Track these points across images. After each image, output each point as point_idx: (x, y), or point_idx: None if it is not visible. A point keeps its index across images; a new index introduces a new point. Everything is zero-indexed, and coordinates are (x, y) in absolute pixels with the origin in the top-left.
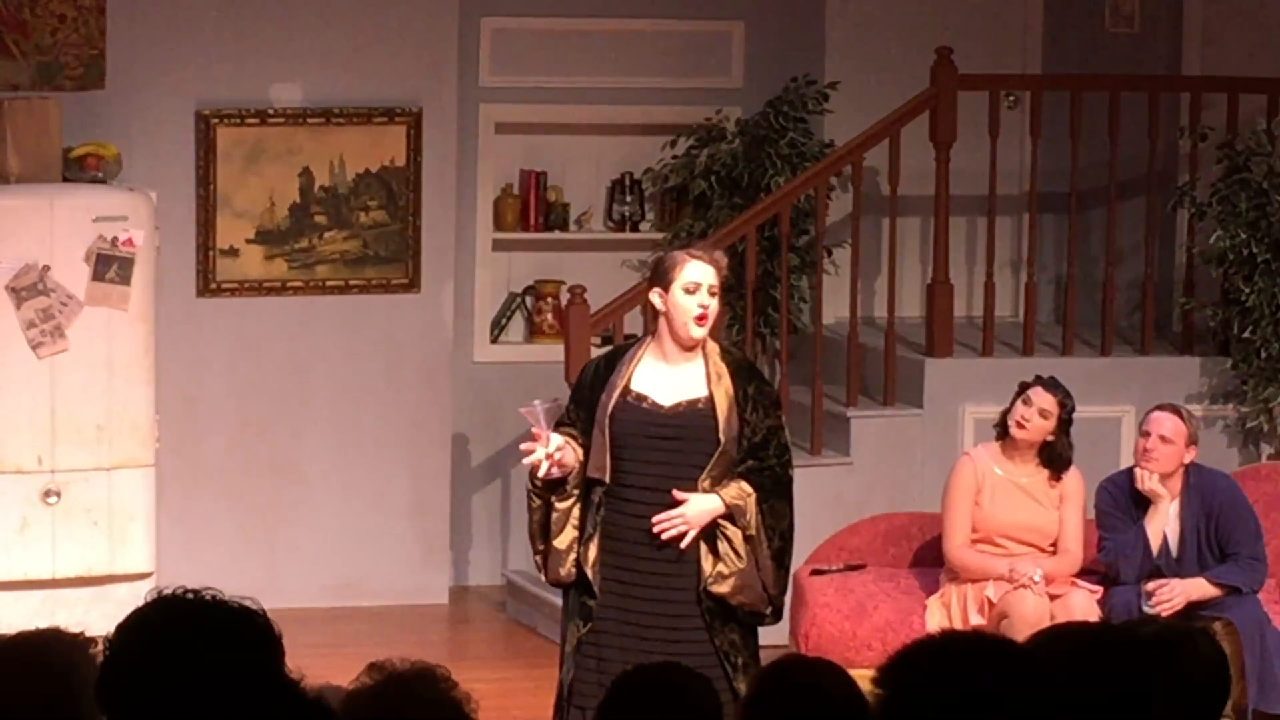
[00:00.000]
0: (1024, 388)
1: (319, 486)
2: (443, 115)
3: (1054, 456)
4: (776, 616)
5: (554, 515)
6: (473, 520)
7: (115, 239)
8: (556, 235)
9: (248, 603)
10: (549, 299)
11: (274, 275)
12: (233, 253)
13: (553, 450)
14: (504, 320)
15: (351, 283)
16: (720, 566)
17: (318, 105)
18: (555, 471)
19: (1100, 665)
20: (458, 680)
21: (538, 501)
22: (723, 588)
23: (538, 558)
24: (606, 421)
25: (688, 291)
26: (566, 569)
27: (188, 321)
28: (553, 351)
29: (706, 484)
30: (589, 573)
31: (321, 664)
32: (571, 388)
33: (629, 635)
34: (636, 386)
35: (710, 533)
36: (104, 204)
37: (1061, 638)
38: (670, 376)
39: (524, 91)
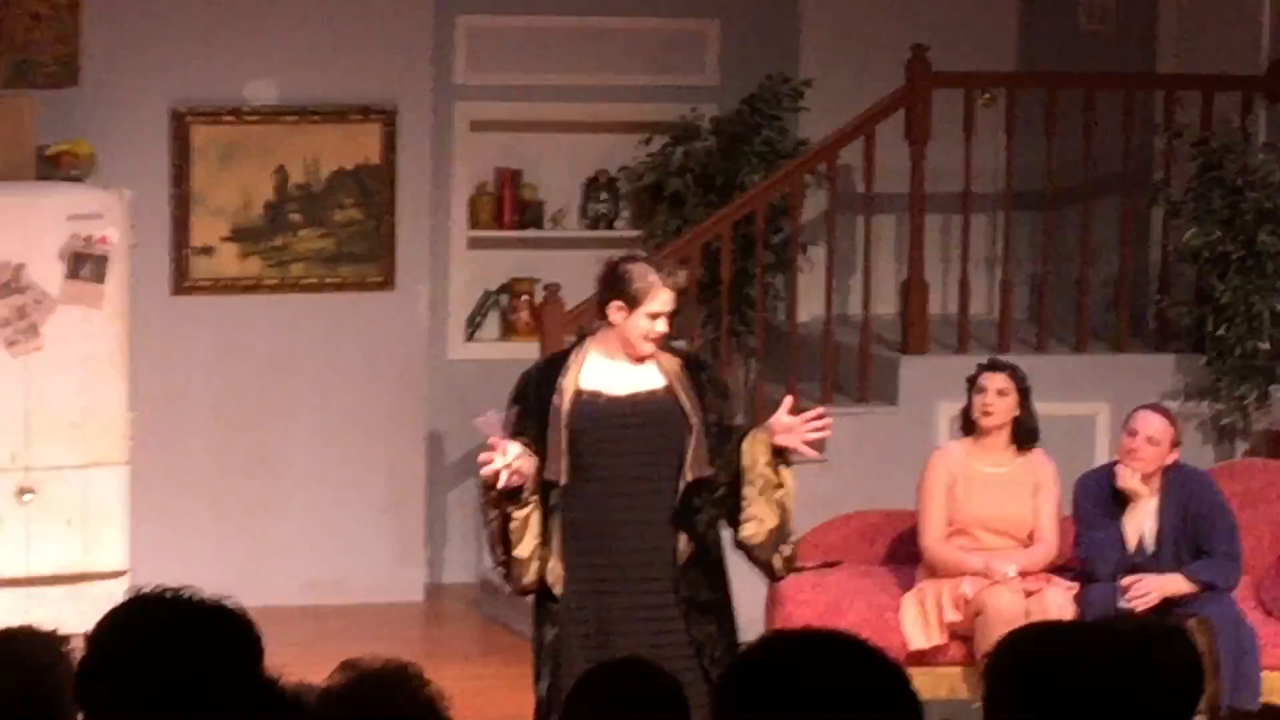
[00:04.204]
0: (972, 380)
1: (294, 484)
2: (418, 113)
3: (1024, 431)
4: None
5: (513, 524)
6: (449, 518)
7: (90, 237)
8: (532, 233)
9: (228, 602)
10: (524, 297)
11: (249, 273)
12: (208, 251)
13: (511, 460)
14: (479, 318)
15: (327, 281)
16: (757, 524)
17: (293, 103)
18: (515, 480)
19: (1074, 662)
20: (432, 678)
21: (494, 512)
22: (757, 536)
23: (499, 568)
24: (564, 422)
25: (651, 318)
26: (530, 577)
27: (163, 320)
28: (528, 350)
29: (689, 475)
30: (549, 577)
31: (297, 662)
32: (513, 399)
33: (608, 633)
34: (587, 385)
35: (717, 497)
36: (79, 202)
37: (1036, 635)
38: (621, 373)
39: (499, 89)
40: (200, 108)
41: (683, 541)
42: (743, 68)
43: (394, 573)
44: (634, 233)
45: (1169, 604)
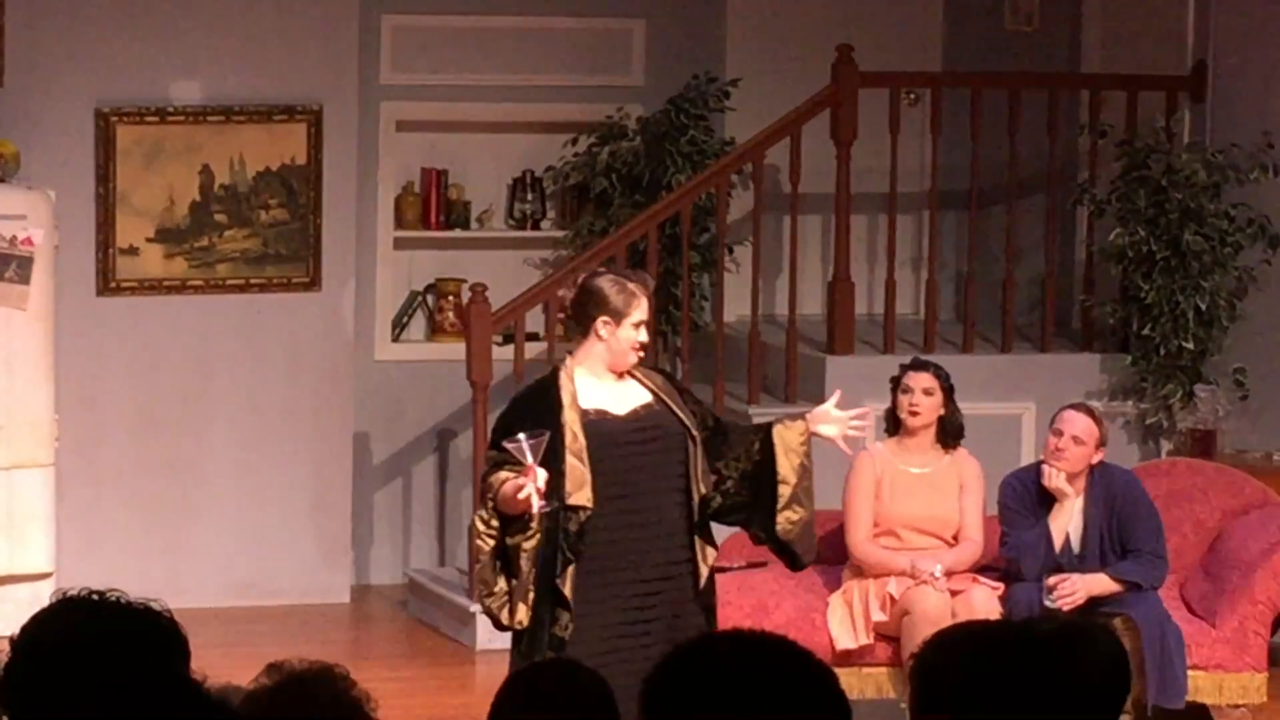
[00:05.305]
0: (896, 381)
1: (220, 486)
2: (343, 113)
3: (949, 430)
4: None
5: (522, 556)
6: (374, 519)
7: (14, 238)
8: (458, 233)
9: (153, 604)
10: (450, 297)
11: (174, 274)
12: (132, 251)
13: (541, 485)
14: (405, 319)
15: (252, 281)
16: (794, 513)
17: (218, 103)
18: (545, 508)
19: (1000, 662)
20: (358, 679)
21: (491, 543)
22: (792, 532)
23: (489, 600)
24: (584, 446)
25: (636, 327)
26: (527, 609)
27: (87, 320)
28: (454, 350)
29: (702, 488)
30: (570, 598)
31: (222, 664)
32: (502, 435)
33: (625, 649)
34: (588, 405)
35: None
36: (2, 203)
37: (962, 635)
38: (614, 391)
39: (425, 89)
40: (125, 108)
41: (708, 551)
42: (669, 68)
43: (320, 574)
44: (560, 233)
45: (1094, 603)
